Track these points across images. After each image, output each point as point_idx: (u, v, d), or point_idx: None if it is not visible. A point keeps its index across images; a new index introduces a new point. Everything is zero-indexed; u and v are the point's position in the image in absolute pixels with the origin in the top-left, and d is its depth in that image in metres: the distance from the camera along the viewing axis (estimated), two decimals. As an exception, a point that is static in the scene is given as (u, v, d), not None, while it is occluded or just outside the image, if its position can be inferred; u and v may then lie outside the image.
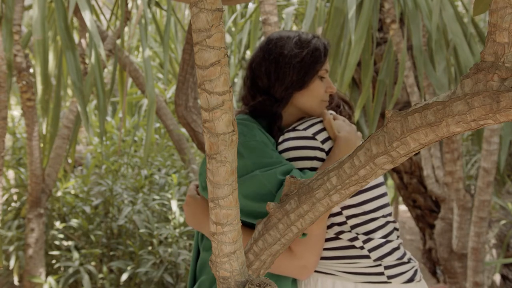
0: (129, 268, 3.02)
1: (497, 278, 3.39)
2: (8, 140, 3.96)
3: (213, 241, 0.81)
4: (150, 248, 3.12)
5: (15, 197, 3.57)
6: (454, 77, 2.92)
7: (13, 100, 5.10)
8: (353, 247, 1.31)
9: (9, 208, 3.51)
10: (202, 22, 0.70)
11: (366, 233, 1.32)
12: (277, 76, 1.37)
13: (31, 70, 2.55)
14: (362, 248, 1.31)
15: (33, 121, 2.63)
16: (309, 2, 2.76)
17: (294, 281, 1.36)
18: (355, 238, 1.31)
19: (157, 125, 4.41)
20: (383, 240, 1.33)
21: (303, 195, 0.87)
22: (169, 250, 3.02)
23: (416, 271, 1.34)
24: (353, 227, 1.32)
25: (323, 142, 1.34)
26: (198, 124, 2.46)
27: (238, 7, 4.61)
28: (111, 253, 3.26)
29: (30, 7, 3.04)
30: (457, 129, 0.72)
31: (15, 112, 4.99)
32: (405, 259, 1.34)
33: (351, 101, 3.51)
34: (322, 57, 1.38)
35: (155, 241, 3.07)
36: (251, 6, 4.26)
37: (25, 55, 2.49)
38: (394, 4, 2.75)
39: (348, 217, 1.32)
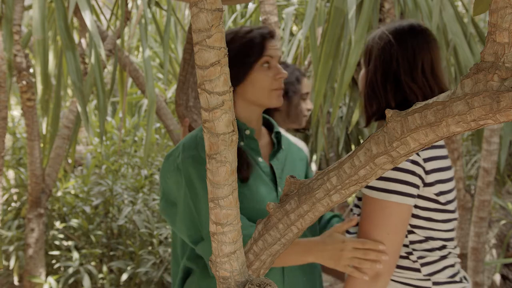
0: (129, 268, 3.02)
1: (497, 278, 3.39)
2: (8, 140, 3.95)
3: (213, 241, 0.81)
4: (150, 248, 3.12)
5: (15, 197, 3.57)
6: (454, 77, 2.92)
7: (13, 100, 5.10)
8: (407, 258, 1.30)
9: (9, 208, 3.51)
10: (202, 22, 0.70)
11: (422, 250, 1.31)
12: None
13: (31, 70, 2.55)
14: (415, 261, 1.30)
15: (33, 121, 2.63)
16: (309, 2, 2.76)
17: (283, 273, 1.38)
18: (411, 253, 1.31)
19: (157, 125, 4.41)
20: (438, 257, 1.31)
21: (303, 195, 0.87)
22: (169, 250, 3.02)
23: None
24: (412, 242, 1.32)
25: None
26: (199, 124, 2.46)
27: (238, 7, 4.61)
28: (111, 253, 3.25)
29: (30, 7, 3.04)
30: (457, 129, 0.72)
31: (15, 112, 4.98)
32: (456, 278, 1.31)
33: (351, 101, 3.51)
34: (257, 48, 1.36)
35: (155, 241, 3.07)
36: (251, 6, 4.25)
37: (25, 55, 2.48)
38: (394, 4, 2.75)
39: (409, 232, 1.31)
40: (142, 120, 4.37)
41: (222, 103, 0.73)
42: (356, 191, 0.84)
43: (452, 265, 1.32)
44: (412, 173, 1.26)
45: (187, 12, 5.54)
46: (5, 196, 3.51)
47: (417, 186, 1.27)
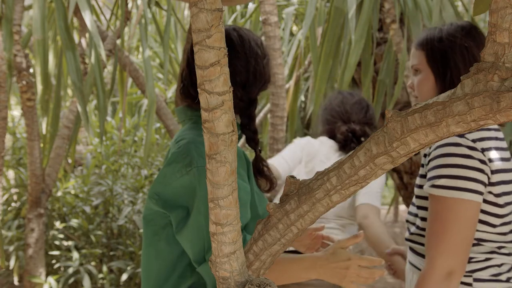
0: (129, 268, 3.02)
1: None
2: (8, 140, 3.95)
3: (213, 241, 0.81)
4: (150, 248, 3.12)
5: (15, 197, 3.57)
6: (454, 77, 2.92)
7: (13, 100, 5.10)
8: None
9: (9, 208, 3.51)
10: (202, 22, 0.70)
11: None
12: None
13: (31, 70, 2.55)
14: None
15: (33, 121, 2.63)
16: (309, 2, 2.76)
17: None
18: None
19: (157, 125, 4.41)
20: (482, 255, 1.34)
21: (303, 195, 0.87)
22: (169, 250, 3.02)
23: None
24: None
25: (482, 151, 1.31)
26: (198, 124, 2.46)
27: (238, 7, 4.61)
28: (111, 253, 3.25)
29: (30, 7, 3.04)
30: (457, 129, 0.71)
31: (15, 112, 4.98)
32: (501, 277, 1.32)
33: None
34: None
35: (155, 241, 3.07)
36: (251, 6, 4.26)
37: (25, 55, 2.48)
38: (394, 4, 2.75)
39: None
40: (142, 120, 4.37)
41: (222, 103, 0.73)
42: (356, 191, 0.84)
43: (499, 265, 1.33)
44: (481, 171, 1.29)
45: (187, 12, 5.54)
46: (5, 196, 3.51)
47: (484, 184, 1.29)
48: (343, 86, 2.73)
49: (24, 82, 2.47)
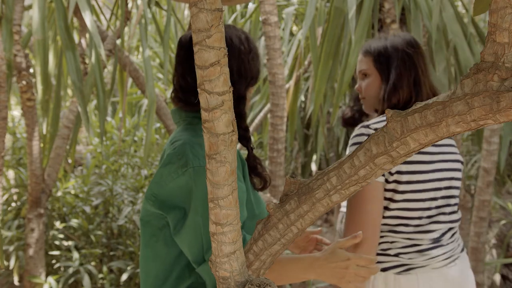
0: (129, 268, 3.02)
1: (497, 278, 3.39)
2: (8, 140, 3.95)
3: (213, 241, 0.81)
4: (150, 248, 3.12)
5: (15, 197, 3.57)
6: (454, 77, 2.92)
7: (13, 100, 5.10)
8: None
9: (9, 208, 3.51)
10: (202, 22, 0.70)
11: None
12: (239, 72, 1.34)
13: (31, 70, 2.55)
14: None
15: (33, 121, 2.63)
16: (309, 2, 2.76)
17: None
18: None
19: (157, 125, 4.41)
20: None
21: (303, 195, 0.87)
22: (169, 250, 3.02)
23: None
24: None
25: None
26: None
27: (238, 7, 4.61)
28: (111, 253, 3.25)
29: (30, 7, 3.04)
30: (457, 129, 0.72)
31: (15, 112, 4.98)
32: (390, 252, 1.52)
33: (352, 101, 3.51)
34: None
35: (155, 241, 3.07)
36: (251, 6, 4.26)
37: (25, 55, 2.48)
38: (394, 4, 2.75)
39: None
40: (142, 120, 4.37)
41: (222, 103, 0.73)
42: (356, 191, 0.84)
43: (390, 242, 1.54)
44: None
45: (187, 12, 5.54)
46: (5, 196, 3.51)
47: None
48: (343, 86, 2.73)
49: (24, 82, 2.47)
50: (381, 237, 1.51)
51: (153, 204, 1.30)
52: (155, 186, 1.29)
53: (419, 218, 1.50)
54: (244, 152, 3.13)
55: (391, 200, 1.49)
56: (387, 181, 1.48)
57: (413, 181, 1.48)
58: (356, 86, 1.70)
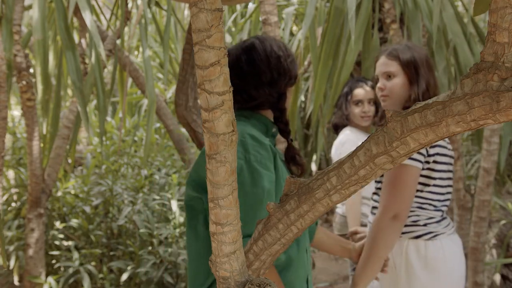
0: (129, 268, 3.02)
1: (497, 278, 3.39)
2: (8, 140, 3.95)
3: (213, 241, 0.81)
4: (150, 248, 3.12)
5: (15, 197, 3.57)
6: (454, 77, 2.92)
7: (13, 100, 5.10)
8: None
9: (9, 208, 3.51)
10: (202, 22, 0.70)
11: None
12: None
13: (31, 70, 2.55)
14: None
15: (33, 121, 2.62)
16: (309, 2, 2.76)
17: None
18: None
19: (157, 125, 4.41)
20: None
21: (303, 195, 0.87)
22: (169, 250, 3.02)
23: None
24: None
25: None
26: (198, 124, 2.46)
27: (238, 7, 4.61)
28: (111, 253, 3.25)
29: (30, 7, 3.04)
30: (457, 129, 0.72)
31: (15, 112, 4.98)
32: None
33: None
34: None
35: (155, 241, 3.07)
36: (251, 6, 4.26)
37: (25, 55, 2.48)
38: (394, 4, 2.75)
39: None
40: (142, 120, 4.37)
41: (222, 103, 0.73)
42: (356, 191, 0.84)
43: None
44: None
45: (187, 12, 5.54)
46: (5, 196, 3.51)
47: (423, 155, 1.76)
48: (339, 86, 2.74)
49: (24, 82, 2.47)
50: (411, 211, 1.80)
51: (193, 189, 1.43)
52: (194, 173, 1.44)
53: (439, 200, 1.82)
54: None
55: (424, 184, 1.79)
56: (422, 168, 1.77)
57: (444, 170, 1.79)
58: (379, 84, 1.87)
